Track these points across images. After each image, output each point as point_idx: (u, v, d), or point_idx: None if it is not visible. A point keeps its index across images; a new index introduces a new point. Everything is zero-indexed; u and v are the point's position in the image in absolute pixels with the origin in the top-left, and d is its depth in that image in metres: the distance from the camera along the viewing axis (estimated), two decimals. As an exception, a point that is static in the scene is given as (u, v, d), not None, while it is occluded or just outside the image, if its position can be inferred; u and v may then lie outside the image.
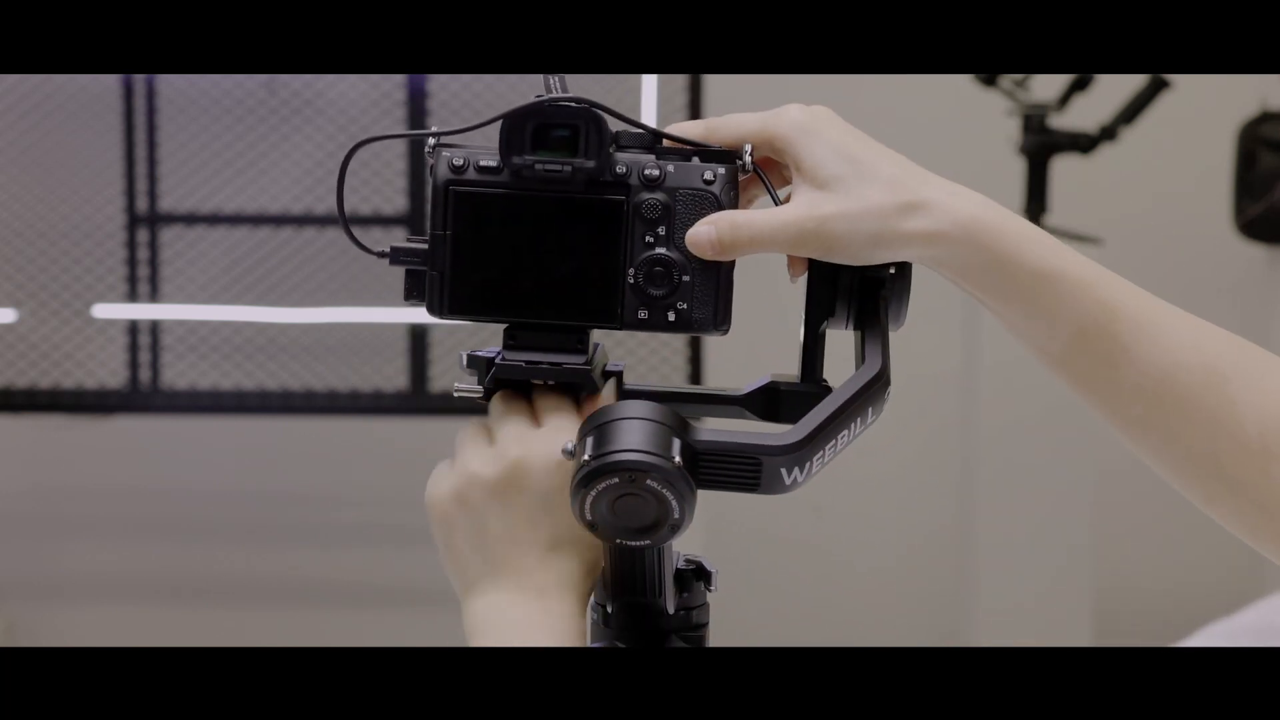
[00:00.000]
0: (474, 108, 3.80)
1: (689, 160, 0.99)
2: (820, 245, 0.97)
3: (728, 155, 0.99)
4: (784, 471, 0.95)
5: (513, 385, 1.00)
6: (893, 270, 1.02)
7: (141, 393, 3.83)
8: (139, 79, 3.77)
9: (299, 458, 4.16)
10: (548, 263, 0.99)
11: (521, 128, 0.98)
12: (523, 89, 3.83)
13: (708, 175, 0.98)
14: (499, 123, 0.98)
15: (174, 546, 4.17)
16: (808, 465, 0.96)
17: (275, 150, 3.83)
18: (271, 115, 3.84)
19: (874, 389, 0.99)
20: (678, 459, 0.93)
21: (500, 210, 0.99)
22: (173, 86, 3.82)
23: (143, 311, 3.82)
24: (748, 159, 0.99)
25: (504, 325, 1.00)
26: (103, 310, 3.84)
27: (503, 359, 1.00)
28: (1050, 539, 3.55)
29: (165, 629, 4.07)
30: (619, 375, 1.05)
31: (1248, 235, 3.86)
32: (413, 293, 1.00)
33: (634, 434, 0.93)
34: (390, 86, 3.80)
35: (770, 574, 3.96)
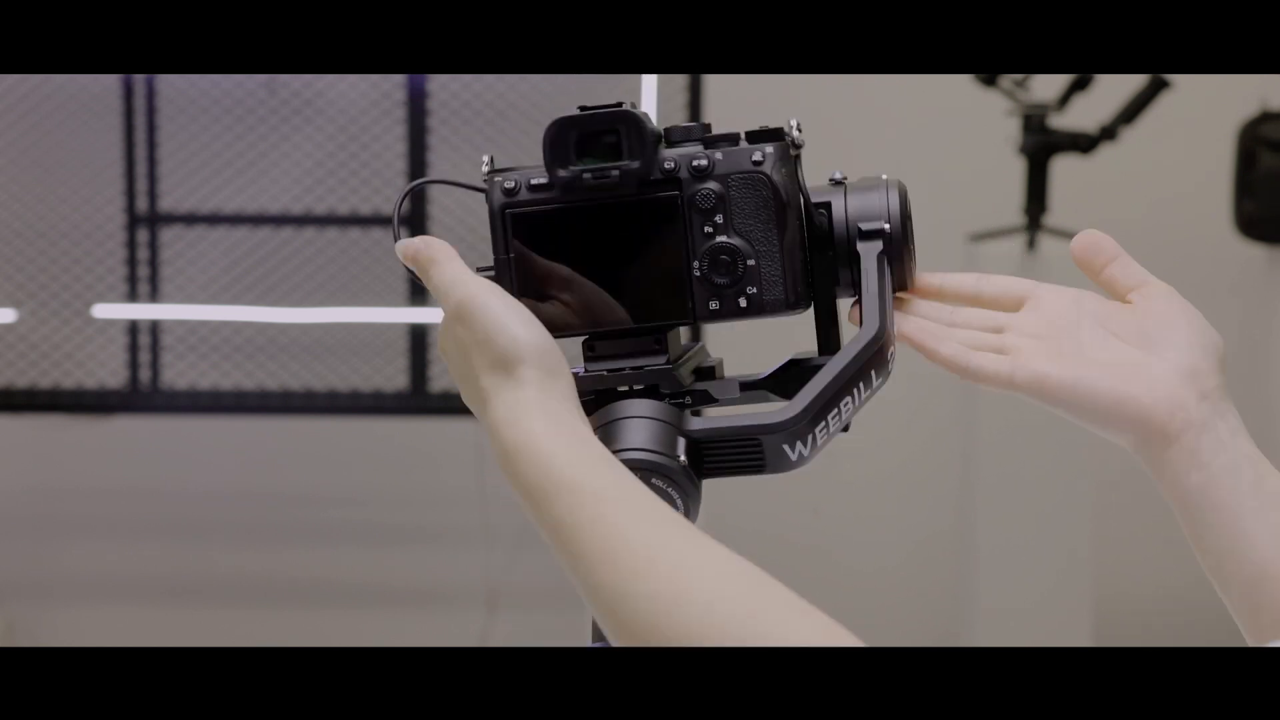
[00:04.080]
0: (474, 108, 3.80)
1: (736, 144, 0.98)
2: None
3: (775, 133, 0.98)
4: (787, 448, 0.94)
5: (597, 396, 0.98)
6: (886, 227, 1.00)
7: (141, 393, 3.83)
8: (139, 79, 3.77)
9: (299, 458, 4.15)
10: (613, 269, 0.98)
11: (564, 140, 0.97)
12: (523, 89, 3.84)
13: (756, 156, 0.97)
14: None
15: (174, 546, 4.17)
16: (810, 438, 0.94)
17: (275, 150, 3.83)
18: (271, 115, 3.84)
19: (871, 351, 0.97)
20: (682, 458, 0.93)
21: (556, 225, 0.98)
22: (173, 86, 3.82)
23: (143, 311, 3.82)
24: (795, 134, 0.98)
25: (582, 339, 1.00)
26: (103, 310, 3.84)
27: (585, 370, 0.99)
28: (1050, 540, 3.55)
29: (165, 629, 4.07)
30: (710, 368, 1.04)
31: (1248, 235, 3.86)
32: None
33: (638, 433, 0.93)
34: (390, 86, 3.80)
35: (770, 574, 3.96)
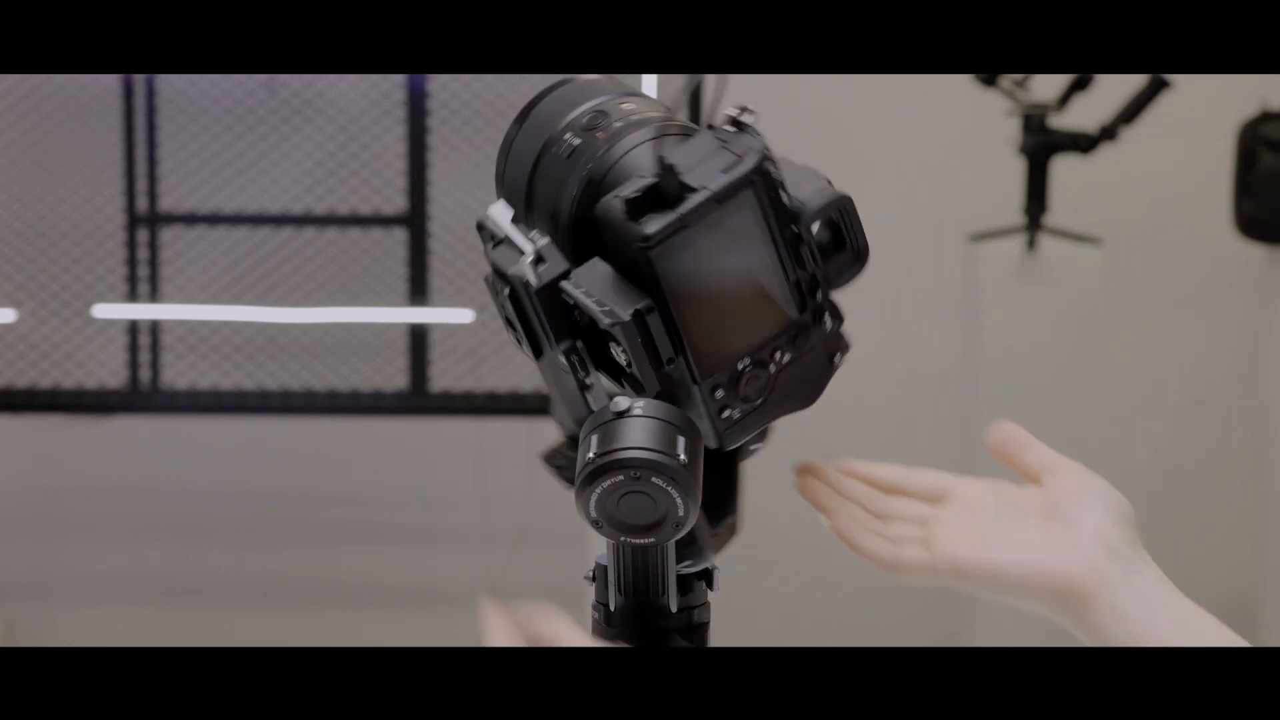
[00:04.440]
0: (474, 108, 3.80)
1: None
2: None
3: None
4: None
5: None
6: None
7: (141, 393, 3.83)
8: (139, 79, 3.77)
9: (299, 458, 4.15)
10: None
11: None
12: (523, 89, 3.83)
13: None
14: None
15: (173, 546, 4.17)
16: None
17: (275, 150, 3.83)
18: (271, 115, 3.84)
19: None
20: (683, 457, 0.93)
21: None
22: (173, 86, 3.82)
23: (143, 311, 3.82)
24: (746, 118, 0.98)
25: None
26: (103, 310, 3.84)
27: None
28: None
29: (165, 629, 4.07)
30: None
31: (1248, 235, 3.86)
32: None
33: (639, 432, 0.93)
34: (390, 86, 3.80)
35: (770, 574, 3.95)
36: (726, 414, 0.97)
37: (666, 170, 0.94)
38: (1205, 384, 4.13)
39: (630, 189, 0.95)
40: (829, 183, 0.99)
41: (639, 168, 0.97)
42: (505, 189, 1.04)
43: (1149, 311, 4.09)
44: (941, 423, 3.95)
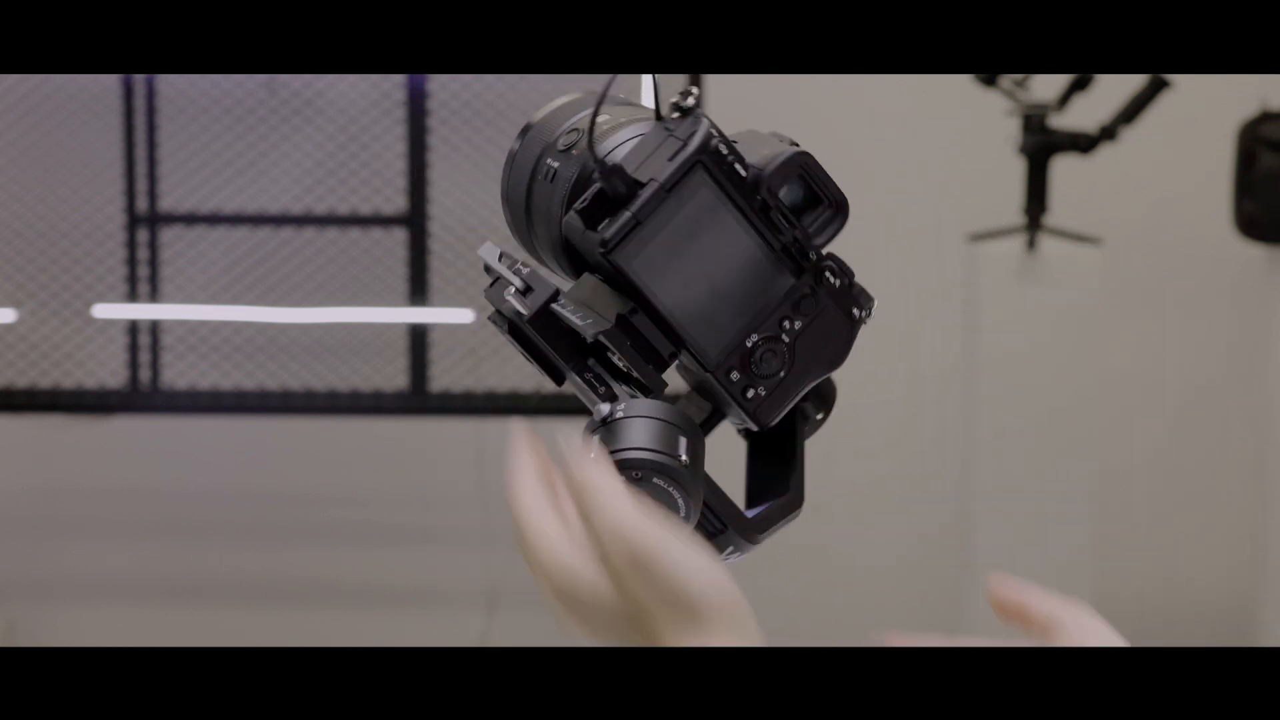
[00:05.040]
0: (474, 107, 3.80)
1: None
2: None
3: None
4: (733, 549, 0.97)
5: None
6: None
7: (141, 393, 3.84)
8: (139, 79, 3.77)
9: (299, 458, 4.16)
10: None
11: None
12: (522, 89, 3.84)
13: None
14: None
15: (174, 546, 4.17)
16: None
17: (275, 150, 3.83)
18: (271, 115, 3.84)
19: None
20: (684, 457, 0.93)
21: None
22: (173, 86, 3.82)
23: (143, 311, 3.82)
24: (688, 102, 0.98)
25: None
26: (103, 310, 3.84)
27: None
28: (1050, 539, 3.55)
29: (165, 629, 4.07)
30: None
31: (1248, 235, 3.86)
32: None
33: (640, 432, 0.93)
34: (390, 86, 3.80)
35: (770, 574, 3.96)
36: (751, 394, 0.97)
37: (611, 172, 0.95)
38: (1205, 384, 4.13)
39: (582, 199, 0.95)
40: (793, 143, 0.98)
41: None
42: (510, 208, 1.05)
43: (1149, 311, 4.09)
44: (942, 423, 3.95)
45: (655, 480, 0.92)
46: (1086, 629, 1.01)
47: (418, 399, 3.83)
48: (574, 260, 0.99)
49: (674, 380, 0.99)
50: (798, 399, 0.99)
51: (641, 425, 0.93)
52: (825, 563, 4.11)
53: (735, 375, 0.97)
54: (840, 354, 1.00)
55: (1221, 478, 4.13)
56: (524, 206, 1.04)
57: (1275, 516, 3.81)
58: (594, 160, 0.95)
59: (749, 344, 0.97)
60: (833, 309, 0.98)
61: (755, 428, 0.99)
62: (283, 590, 4.17)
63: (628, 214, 0.94)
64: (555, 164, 1.01)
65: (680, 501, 0.92)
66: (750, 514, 1.01)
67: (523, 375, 3.80)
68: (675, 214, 0.95)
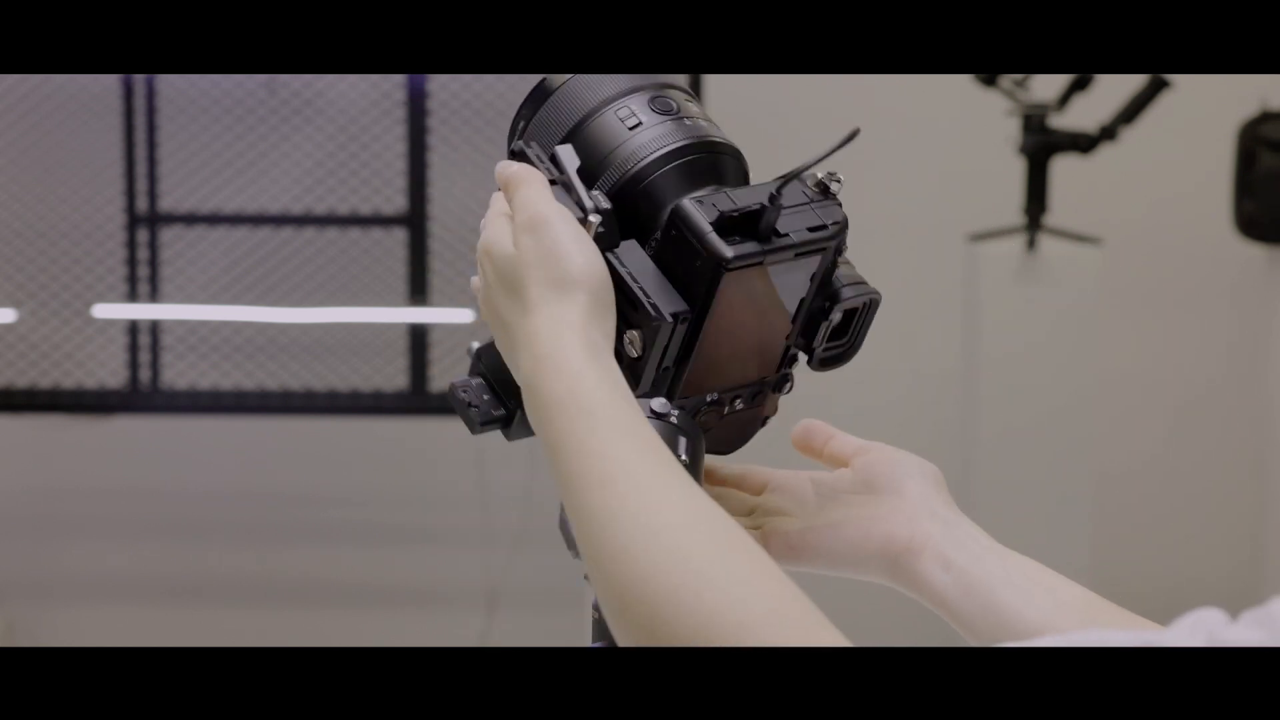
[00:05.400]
0: (474, 107, 3.80)
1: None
2: None
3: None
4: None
5: None
6: None
7: (141, 393, 3.84)
8: (139, 79, 3.77)
9: (299, 458, 4.15)
10: None
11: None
12: (523, 89, 3.83)
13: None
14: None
15: (174, 546, 4.17)
16: None
17: (275, 150, 3.83)
18: (271, 115, 3.83)
19: None
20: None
21: None
22: (173, 86, 3.82)
23: (143, 311, 3.82)
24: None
25: None
26: (103, 310, 3.84)
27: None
28: (1050, 539, 3.55)
29: (165, 629, 4.07)
30: None
31: (1248, 235, 3.86)
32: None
33: None
34: (390, 86, 3.80)
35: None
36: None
37: (774, 205, 0.95)
38: (1205, 384, 4.13)
39: (727, 204, 0.95)
40: (866, 283, 1.02)
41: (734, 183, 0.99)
42: (535, 127, 1.03)
43: (1149, 311, 4.09)
44: (941, 423, 3.95)
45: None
46: (893, 456, 1.08)
47: (418, 399, 3.83)
48: (627, 208, 0.98)
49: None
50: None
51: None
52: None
53: (674, 417, 0.98)
54: (738, 445, 1.05)
55: (1221, 478, 4.13)
56: (574, 124, 1.01)
57: (1275, 516, 3.82)
58: (772, 191, 0.95)
59: (708, 399, 1.00)
60: (760, 407, 1.03)
61: None
62: (283, 590, 4.17)
63: (759, 250, 0.95)
64: (643, 115, 0.99)
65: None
66: None
67: (523, 375, 3.79)
68: (778, 276, 0.97)
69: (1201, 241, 4.04)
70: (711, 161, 0.99)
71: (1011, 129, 3.60)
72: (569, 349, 0.91)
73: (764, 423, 1.04)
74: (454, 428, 4.07)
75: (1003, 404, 3.57)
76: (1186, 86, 3.61)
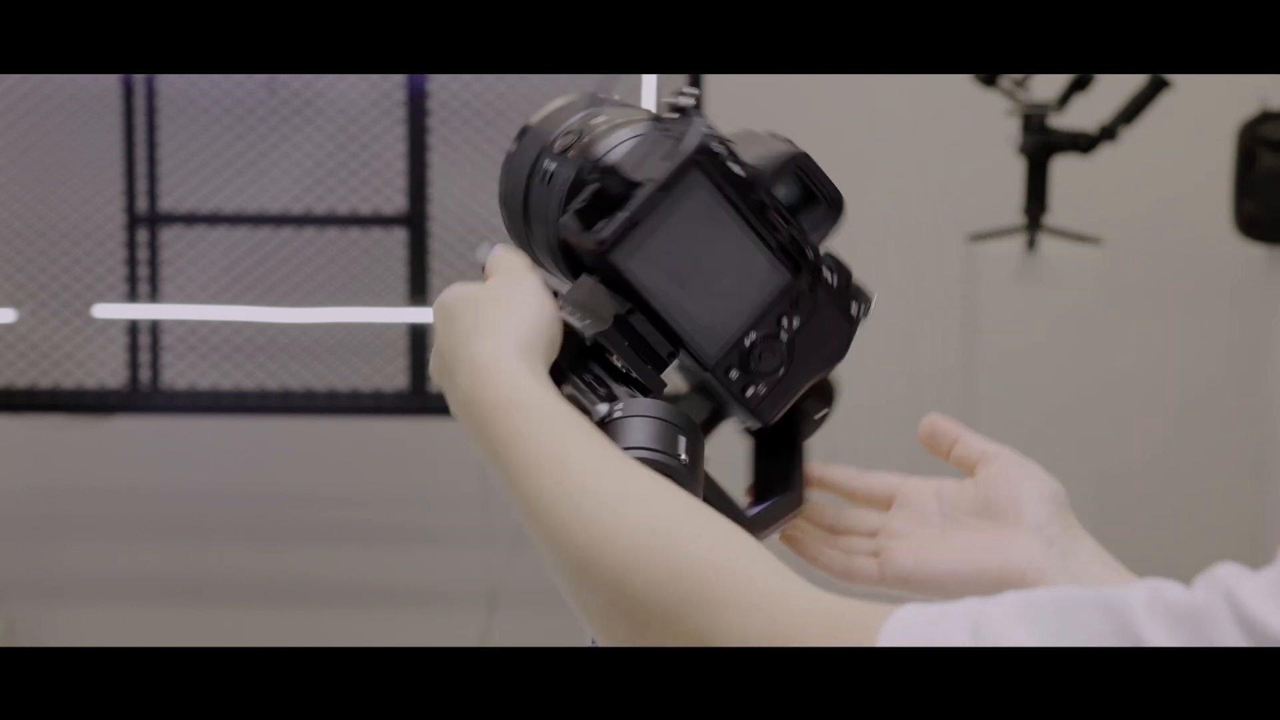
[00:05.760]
0: (474, 107, 3.80)
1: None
2: None
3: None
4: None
5: None
6: None
7: (141, 393, 3.83)
8: (139, 79, 3.77)
9: (299, 458, 4.16)
10: None
11: None
12: (523, 89, 3.84)
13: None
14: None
15: (174, 546, 4.17)
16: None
17: (275, 150, 3.83)
18: (271, 115, 3.83)
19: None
20: (683, 456, 0.93)
21: None
22: (173, 86, 3.81)
23: (143, 311, 3.82)
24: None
25: None
26: (103, 310, 3.84)
27: None
28: (1050, 539, 3.55)
29: (165, 629, 4.07)
30: None
31: (1247, 235, 3.86)
32: None
33: (640, 432, 0.93)
34: (390, 86, 3.80)
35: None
36: (750, 392, 0.97)
37: (606, 171, 0.95)
38: (1205, 384, 4.13)
39: (579, 200, 0.96)
40: (789, 142, 0.99)
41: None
42: (508, 210, 1.06)
43: (1149, 311, 4.09)
44: (941, 423, 3.95)
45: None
46: (1016, 473, 1.06)
47: (418, 399, 3.83)
48: (571, 262, 0.99)
49: (674, 380, 0.99)
50: (797, 396, 1.00)
51: (640, 424, 0.93)
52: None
53: (734, 374, 0.97)
54: (839, 351, 1.00)
55: (1221, 478, 4.13)
56: (522, 208, 1.04)
57: (1275, 516, 3.82)
58: (590, 161, 0.95)
59: (747, 342, 0.97)
60: (830, 306, 0.99)
61: (756, 425, 0.99)
62: (283, 590, 4.17)
63: (625, 214, 0.95)
64: (552, 166, 1.02)
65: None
66: (751, 512, 1.01)
67: (523, 375, 3.79)
68: (672, 214, 0.95)
69: (1201, 241, 4.04)
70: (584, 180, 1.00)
71: (1011, 129, 3.60)
72: (507, 361, 0.92)
73: (854, 315, 1.00)
74: (454, 428, 4.05)
75: (1003, 404, 3.57)
76: (1186, 86, 3.61)
